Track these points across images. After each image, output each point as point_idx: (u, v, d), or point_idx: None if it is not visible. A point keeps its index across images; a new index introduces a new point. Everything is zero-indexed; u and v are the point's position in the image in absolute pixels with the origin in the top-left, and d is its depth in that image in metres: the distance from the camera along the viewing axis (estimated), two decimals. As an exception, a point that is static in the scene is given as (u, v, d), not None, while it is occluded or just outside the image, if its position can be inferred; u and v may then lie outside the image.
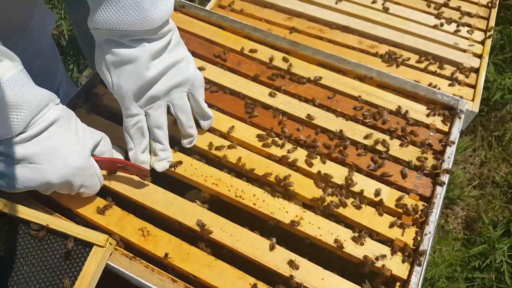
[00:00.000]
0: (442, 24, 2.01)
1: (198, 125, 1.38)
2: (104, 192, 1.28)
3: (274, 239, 1.22)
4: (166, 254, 1.19)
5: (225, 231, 1.24)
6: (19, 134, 1.03)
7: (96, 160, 1.19)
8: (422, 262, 1.18)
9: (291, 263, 1.18)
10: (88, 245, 1.14)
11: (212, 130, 1.43)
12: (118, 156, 1.32)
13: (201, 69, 1.56)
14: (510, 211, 2.68)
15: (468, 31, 1.98)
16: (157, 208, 1.27)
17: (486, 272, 2.42)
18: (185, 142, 1.36)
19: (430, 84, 1.74)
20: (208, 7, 1.94)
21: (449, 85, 1.76)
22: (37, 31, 1.87)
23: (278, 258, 1.20)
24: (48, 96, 1.10)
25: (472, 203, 2.78)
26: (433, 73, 1.81)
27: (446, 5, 2.11)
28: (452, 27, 2.01)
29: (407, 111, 1.49)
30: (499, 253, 2.38)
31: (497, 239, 2.46)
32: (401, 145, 1.42)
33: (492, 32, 1.97)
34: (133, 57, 1.17)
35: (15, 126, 1.01)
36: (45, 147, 1.06)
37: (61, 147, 1.09)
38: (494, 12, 2.09)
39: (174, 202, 1.29)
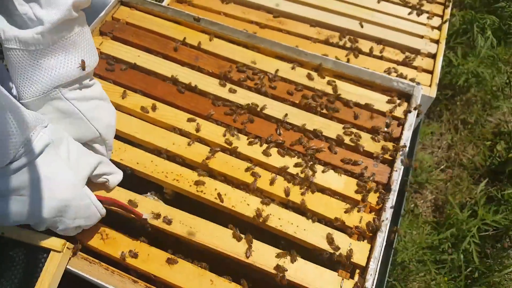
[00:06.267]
0: (399, 11, 2.03)
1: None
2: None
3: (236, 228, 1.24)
4: (124, 256, 1.18)
5: (184, 223, 1.24)
6: (7, 164, 0.92)
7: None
8: (379, 248, 1.20)
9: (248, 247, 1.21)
10: (45, 251, 1.13)
11: (172, 128, 1.43)
12: (119, 176, 1.26)
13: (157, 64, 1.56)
14: (476, 193, 2.75)
15: (428, 17, 2.01)
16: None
17: (455, 253, 2.48)
18: None
19: (388, 72, 1.76)
20: (165, 3, 1.91)
21: (407, 72, 1.78)
22: None
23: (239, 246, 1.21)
24: (35, 118, 0.98)
25: (440, 186, 2.84)
26: (391, 61, 1.83)
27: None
28: (410, 13, 2.03)
29: (363, 100, 1.51)
30: (468, 235, 2.43)
31: (465, 221, 2.51)
32: (357, 134, 1.43)
33: (448, 17, 2.00)
34: None
35: (5, 156, 0.91)
36: (33, 178, 0.96)
37: (50, 177, 0.99)
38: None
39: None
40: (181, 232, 1.23)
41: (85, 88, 1.16)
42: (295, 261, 1.19)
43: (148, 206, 1.26)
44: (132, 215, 1.22)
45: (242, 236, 1.22)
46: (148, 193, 1.33)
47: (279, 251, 1.21)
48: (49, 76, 1.06)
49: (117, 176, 1.23)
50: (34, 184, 0.97)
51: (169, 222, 1.24)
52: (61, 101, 1.10)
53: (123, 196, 1.27)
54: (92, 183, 1.17)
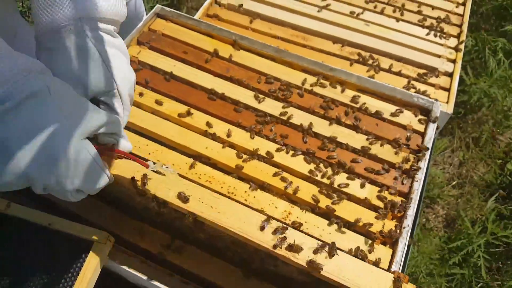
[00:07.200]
0: (417, 31, 2.13)
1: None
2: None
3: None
4: (160, 251, 1.26)
5: (204, 202, 1.12)
6: None
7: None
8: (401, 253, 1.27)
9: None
10: (88, 242, 1.20)
11: (205, 134, 1.51)
12: (129, 145, 1.09)
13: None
14: (487, 209, 2.81)
15: (445, 37, 2.11)
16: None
17: (465, 268, 2.53)
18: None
19: (407, 88, 1.85)
20: (196, 16, 2.02)
21: (425, 89, 1.87)
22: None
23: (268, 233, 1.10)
24: (28, 63, 0.87)
25: (452, 202, 2.90)
26: (410, 78, 1.93)
27: (421, 13, 2.23)
28: (428, 34, 2.13)
29: (384, 113, 1.60)
30: (477, 248, 2.49)
31: (476, 235, 2.57)
32: (380, 144, 1.52)
33: (465, 38, 2.10)
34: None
35: None
36: (16, 128, 0.83)
37: (38, 126, 0.85)
38: (466, 17, 2.22)
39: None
40: (199, 212, 1.10)
41: (109, 35, 1.07)
42: (333, 256, 1.09)
43: (162, 180, 1.16)
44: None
45: (275, 221, 1.11)
46: (164, 166, 1.23)
47: (316, 242, 1.11)
48: (74, 3, 0.99)
49: (128, 144, 1.08)
50: (19, 133, 0.84)
51: (185, 199, 1.12)
52: (81, 37, 1.01)
53: (134, 168, 1.16)
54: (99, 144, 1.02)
